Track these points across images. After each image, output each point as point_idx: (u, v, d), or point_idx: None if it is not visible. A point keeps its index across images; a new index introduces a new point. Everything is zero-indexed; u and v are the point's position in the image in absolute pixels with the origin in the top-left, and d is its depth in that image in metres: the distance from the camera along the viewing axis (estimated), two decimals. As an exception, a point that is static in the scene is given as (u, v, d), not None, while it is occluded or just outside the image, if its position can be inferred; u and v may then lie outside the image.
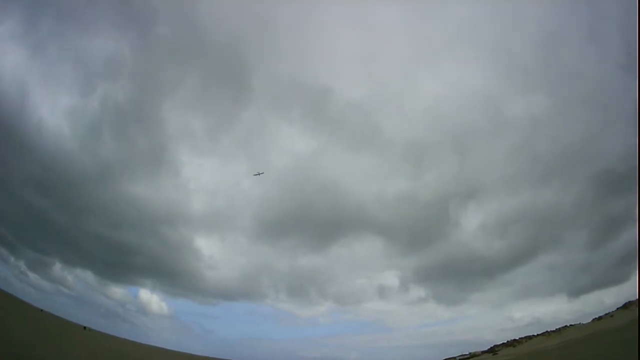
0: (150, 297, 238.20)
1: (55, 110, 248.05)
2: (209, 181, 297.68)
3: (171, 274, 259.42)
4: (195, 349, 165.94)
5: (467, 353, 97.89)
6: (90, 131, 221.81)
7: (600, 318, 78.72)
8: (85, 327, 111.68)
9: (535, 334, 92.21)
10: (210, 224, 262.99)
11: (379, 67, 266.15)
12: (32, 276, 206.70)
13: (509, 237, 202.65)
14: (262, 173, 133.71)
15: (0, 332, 29.64)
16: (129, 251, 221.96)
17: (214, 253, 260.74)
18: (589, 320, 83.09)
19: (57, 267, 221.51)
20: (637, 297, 65.68)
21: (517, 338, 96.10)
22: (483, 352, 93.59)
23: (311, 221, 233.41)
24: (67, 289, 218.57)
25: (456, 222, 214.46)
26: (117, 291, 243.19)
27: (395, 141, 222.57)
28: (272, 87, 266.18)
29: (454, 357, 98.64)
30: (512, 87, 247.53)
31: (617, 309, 77.43)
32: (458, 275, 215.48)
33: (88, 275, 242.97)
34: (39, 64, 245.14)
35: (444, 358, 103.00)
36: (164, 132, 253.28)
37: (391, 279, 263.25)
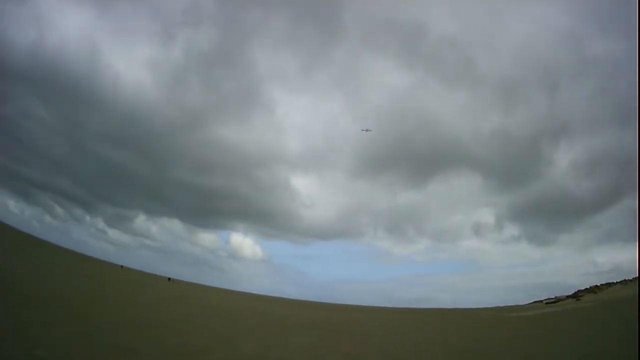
0: (243, 241, 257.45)
1: (133, 64, 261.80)
2: (304, 119, 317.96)
3: (265, 216, 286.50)
4: (290, 293, 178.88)
5: (553, 297, 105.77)
6: (174, 80, 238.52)
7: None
8: (169, 279, 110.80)
9: (615, 281, 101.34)
10: (307, 162, 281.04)
11: (469, 3, 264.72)
12: (112, 232, 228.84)
13: (597, 177, 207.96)
14: (370, 130, 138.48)
15: (74, 292, 27.65)
16: (220, 196, 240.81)
17: (311, 192, 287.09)
18: None
19: (141, 219, 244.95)
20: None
21: (598, 284, 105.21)
22: (567, 297, 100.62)
23: (409, 157, 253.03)
24: (151, 241, 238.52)
25: (549, 160, 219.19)
26: (207, 237, 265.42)
27: (488, 77, 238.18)
28: (364, 24, 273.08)
29: (541, 301, 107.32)
30: (595, 28, 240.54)
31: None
32: (549, 215, 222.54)
33: (175, 224, 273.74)
34: (109, 22, 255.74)
35: (532, 301, 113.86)
36: (254, 72, 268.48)
37: (487, 216, 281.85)
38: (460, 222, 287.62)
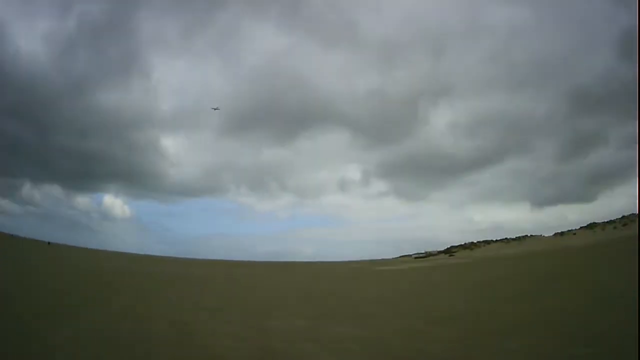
0: (114, 202, 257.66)
1: (32, 37, 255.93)
2: (180, 82, 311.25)
3: (135, 176, 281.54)
4: (156, 250, 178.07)
5: (423, 252, 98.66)
6: (66, 50, 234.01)
7: (562, 233, 78.23)
8: (49, 243, 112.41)
9: (495, 239, 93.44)
10: (177, 123, 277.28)
11: None
12: (2, 202, 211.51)
13: (478, 138, 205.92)
14: (218, 109, 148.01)
15: None
16: (96, 159, 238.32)
17: (179, 151, 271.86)
18: (551, 233, 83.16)
19: (27, 187, 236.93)
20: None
21: (474, 241, 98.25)
22: (439, 252, 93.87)
23: (278, 115, 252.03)
24: (35, 207, 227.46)
25: (425, 120, 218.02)
26: (82, 201, 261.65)
27: (369, 39, 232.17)
28: None
29: (410, 255, 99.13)
30: None
31: (581, 227, 76.29)
32: (421, 172, 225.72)
33: (55, 189, 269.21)
34: None
35: (400, 255, 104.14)
36: (136, 39, 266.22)
37: (353, 172, 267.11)
38: (326, 178, 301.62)
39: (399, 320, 14.04)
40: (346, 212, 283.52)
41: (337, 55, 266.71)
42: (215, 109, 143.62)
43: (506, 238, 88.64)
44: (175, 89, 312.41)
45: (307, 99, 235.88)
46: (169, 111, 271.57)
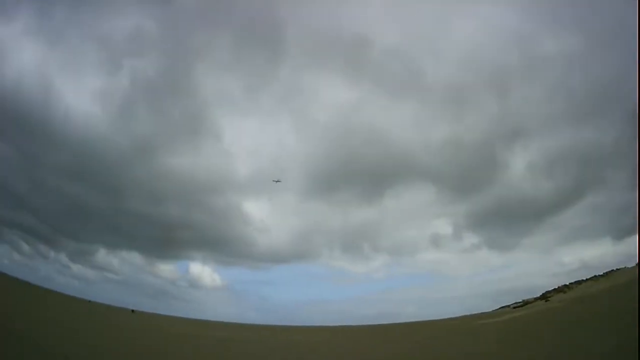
0: (202, 270, 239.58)
1: (82, 96, 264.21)
2: (251, 143, 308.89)
3: (221, 243, 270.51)
4: (251, 318, 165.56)
5: (521, 301, 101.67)
6: (122, 110, 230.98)
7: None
8: (133, 310, 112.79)
9: (585, 278, 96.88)
10: (257, 186, 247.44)
11: (412, 11, 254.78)
12: (75, 267, 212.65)
13: (555, 177, 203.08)
14: (280, 181, 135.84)
15: (50, 331, 28.45)
16: (175, 226, 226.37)
17: (264, 216, 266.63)
18: (633, 263, 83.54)
19: (101, 254, 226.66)
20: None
21: (567, 283, 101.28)
22: (535, 299, 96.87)
23: (360, 173, 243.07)
24: (113, 274, 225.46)
25: (504, 164, 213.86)
26: (166, 268, 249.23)
27: (435, 86, 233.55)
28: (307, 40, 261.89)
29: (508, 306, 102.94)
30: (544, 26, 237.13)
31: (662, 253, 78.01)
32: (508, 220, 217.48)
33: (134, 257, 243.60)
34: (59, 53, 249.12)
35: (499, 307, 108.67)
36: (199, 98, 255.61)
37: (444, 227, 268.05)
38: (417, 235, 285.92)
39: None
40: (442, 268, 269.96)
41: (407, 104, 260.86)
42: (276, 182, 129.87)
43: (595, 276, 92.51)
44: (248, 150, 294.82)
45: (386, 154, 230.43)
46: (246, 173, 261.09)
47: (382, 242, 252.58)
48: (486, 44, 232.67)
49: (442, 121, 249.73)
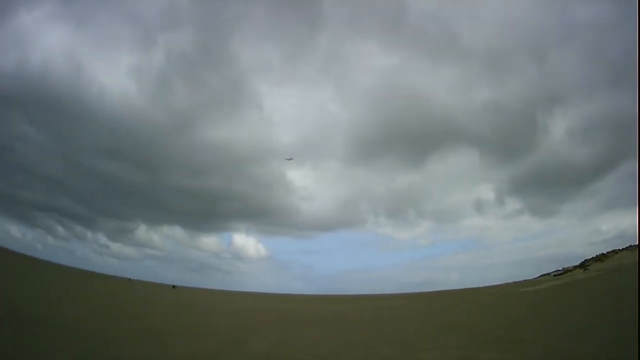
0: (246, 241, 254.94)
1: (116, 74, 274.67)
2: (293, 111, 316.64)
3: (265, 213, 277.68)
4: (297, 288, 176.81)
5: (561, 269, 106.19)
6: (159, 85, 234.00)
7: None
8: (174, 286, 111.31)
9: (621, 247, 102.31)
10: (300, 153, 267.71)
11: None
12: (115, 246, 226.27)
13: (594, 143, 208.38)
14: (292, 159, 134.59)
15: (88, 311, 28.22)
16: (217, 198, 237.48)
17: (308, 184, 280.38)
18: None
19: (141, 230, 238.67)
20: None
21: (605, 252, 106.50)
22: (575, 267, 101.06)
23: (403, 138, 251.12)
24: (154, 250, 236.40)
25: (544, 129, 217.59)
26: (209, 241, 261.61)
27: (474, 49, 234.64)
28: (344, 7, 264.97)
29: (549, 273, 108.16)
30: None
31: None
32: (549, 185, 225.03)
33: (176, 231, 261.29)
34: (88, 34, 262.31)
35: (540, 274, 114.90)
36: (238, 68, 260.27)
37: (487, 192, 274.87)
38: (461, 200, 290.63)
39: (541, 342, 15.10)
40: (484, 234, 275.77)
41: (447, 69, 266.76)
42: (289, 160, 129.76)
43: (630, 245, 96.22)
44: (290, 118, 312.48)
45: (428, 118, 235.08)
46: (289, 141, 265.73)
47: (426, 207, 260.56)
48: (522, 9, 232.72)
49: (482, 85, 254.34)
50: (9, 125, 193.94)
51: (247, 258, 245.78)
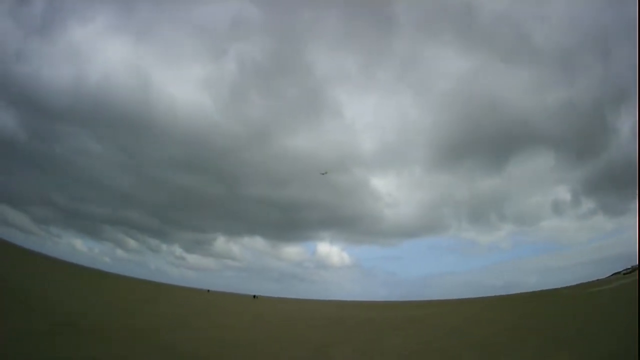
0: (330, 250, 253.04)
1: (185, 86, 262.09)
2: (374, 117, 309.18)
3: (349, 221, 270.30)
4: (380, 295, 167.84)
5: (630, 267, 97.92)
6: (233, 96, 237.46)
7: None
8: (255, 296, 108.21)
9: None
10: (383, 160, 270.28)
11: None
12: (191, 258, 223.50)
13: None
14: (327, 172, 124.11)
15: (165, 325, 26.32)
16: (299, 207, 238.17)
17: (392, 190, 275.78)
18: None
19: (220, 242, 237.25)
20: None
21: None
22: None
23: (482, 142, 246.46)
24: (233, 261, 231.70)
25: (613, 128, 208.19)
26: (291, 251, 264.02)
27: (544, 49, 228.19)
28: (416, 13, 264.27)
29: (620, 272, 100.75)
30: None
31: None
32: (620, 184, 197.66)
33: (257, 242, 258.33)
34: (150, 45, 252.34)
35: (612, 273, 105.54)
36: (315, 77, 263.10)
37: (563, 193, 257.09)
38: (539, 202, 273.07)
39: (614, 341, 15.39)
40: (561, 235, 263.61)
41: (520, 70, 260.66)
42: (324, 174, 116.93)
43: None
44: (371, 125, 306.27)
45: (505, 121, 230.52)
46: (371, 148, 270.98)
47: (507, 210, 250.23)
48: (584, 5, 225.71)
49: (555, 86, 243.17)
50: (71, 140, 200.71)
51: (331, 266, 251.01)
